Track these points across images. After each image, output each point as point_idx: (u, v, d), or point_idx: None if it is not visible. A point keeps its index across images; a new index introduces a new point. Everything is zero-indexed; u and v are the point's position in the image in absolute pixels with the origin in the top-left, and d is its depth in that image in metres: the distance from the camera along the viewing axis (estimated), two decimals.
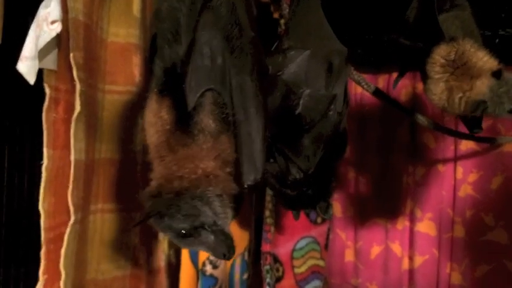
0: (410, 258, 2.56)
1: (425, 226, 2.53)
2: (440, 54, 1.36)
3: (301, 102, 1.03)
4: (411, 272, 2.54)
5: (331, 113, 1.06)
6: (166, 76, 1.01)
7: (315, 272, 1.39)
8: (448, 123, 2.54)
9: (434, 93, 1.42)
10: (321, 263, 1.41)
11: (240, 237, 1.42)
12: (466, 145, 2.51)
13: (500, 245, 2.43)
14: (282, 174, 1.03)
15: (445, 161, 2.56)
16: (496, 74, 1.30)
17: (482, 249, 2.48)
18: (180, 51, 1.00)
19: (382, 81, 2.69)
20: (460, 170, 2.53)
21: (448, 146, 2.53)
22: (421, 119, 1.99)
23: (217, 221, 0.93)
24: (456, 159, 2.54)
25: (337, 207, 2.70)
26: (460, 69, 1.34)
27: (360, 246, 2.63)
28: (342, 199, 2.69)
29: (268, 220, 1.29)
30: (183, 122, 0.97)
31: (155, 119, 1.00)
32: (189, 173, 0.95)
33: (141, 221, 0.97)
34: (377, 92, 1.59)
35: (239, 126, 0.98)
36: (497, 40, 2.26)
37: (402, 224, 2.59)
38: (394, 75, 2.66)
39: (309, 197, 1.04)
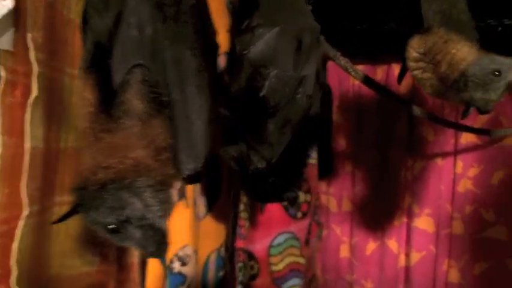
0: (407, 255, 2.45)
1: (423, 222, 2.42)
2: (413, 46, 1.24)
3: (266, 83, 0.91)
4: (407, 269, 2.43)
5: (299, 96, 0.94)
6: (95, 50, 0.88)
7: (294, 270, 1.28)
8: (448, 115, 2.42)
9: (423, 88, 1.30)
10: (301, 260, 1.30)
11: (216, 232, 1.30)
12: (466, 138, 2.38)
13: (500, 242, 2.31)
14: (244, 163, 0.92)
15: (444, 154, 2.43)
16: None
17: (481, 246, 2.36)
18: (109, 20, 0.86)
19: (381, 72, 2.56)
20: (460, 164, 2.40)
21: (448, 140, 2.41)
22: (416, 110, 1.86)
23: (147, 214, 0.81)
24: (456, 153, 2.41)
25: (333, 202, 2.59)
26: (432, 64, 1.21)
27: (355, 242, 2.53)
28: (338, 194, 2.58)
29: (243, 214, 1.18)
30: (108, 103, 0.84)
31: (80, 100, 0.88)
32: (116, 163, 0.82)
33: (65, 216, 0.87)
34: (366, 80, 1.46)
35: (175, 108, 0.85)
36: (499, 29, 2.13)
37: (399, 219, 2.48)
38: (393, 66, 2.55)
39: (273, 187, 0.92)
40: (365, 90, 2.58)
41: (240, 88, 0.93)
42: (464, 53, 1.18)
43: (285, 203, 1.18)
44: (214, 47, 0.91)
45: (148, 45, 0.83)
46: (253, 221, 1.18)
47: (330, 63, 2.56)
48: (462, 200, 2.39)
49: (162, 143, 0.83)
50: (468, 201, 2.38)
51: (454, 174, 2.41)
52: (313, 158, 1.38)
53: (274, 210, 1.21)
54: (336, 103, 2.54)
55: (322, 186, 2.61)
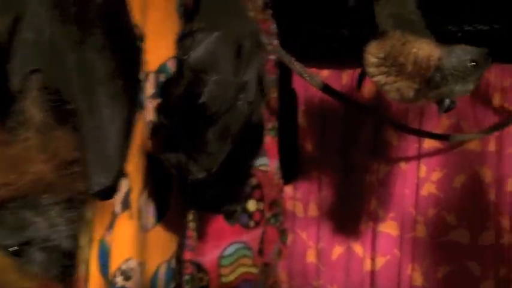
0: (372, 259, 2.43)
1: (388, 226, 2.41)
2: (371, 52, 1.21)
3: (206, 89, 0.86)
4: (373, 273, 2.40)
5: (240, 102, 0.89)
6: None
7: (246, 280, 1.23)
8: (411, 121, 2.42)
9: (388, 95, 1.28)
10: (254, 270, 1.25)
11: (166, 243, 1.24)
12: (429, 143, 2.38)
13: (462, 245, 2.32)
14: (182, 172, 0.87)
15: (408, 159, 2.43)
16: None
17: (444, 249, 2.36)
18: (9, 21, 0.77)
19: (346, 77, 2.54)
20: (423, 169, 2.41)
21: (411, 144, 2.41)
22: (378, 115, 1.84)
23: (52, 236, 0.76)
24: (420, 157, 2.41)
25: (299, 206, 2.56)
26: (394, 67, 1.19)
27: (321, 247, 2.50)
28: (304, 198, 2.55)
29: (191, 225, 1.13)
30: (5, 113, 0.76)
31: None
32: (15, 179, 0.74)
33: None
34: (323, 86, 1.42)
35: (81, 117, 0.77)
36: (459, 34, 2.14)
37: (365, 223, 2.46)
38: (358, 70, 2.54)
39: (213, 198, 0.87)
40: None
41: (180, 94, 0.88)
42: (426, 50, 1.16)
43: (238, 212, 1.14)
44: (134, 51, 0.84)
45: (47, 49, 0.76)
46: (202, 232, 1.14)
47: None
48: (425, 203, 2.39)
49: (67, 156, 0.76)
50: (431, 204, 2.38)
51: (417, 178, 2.41)
52: (265, 165, 1.33)
53: (224, 219, 1.16)
54: (301, 108, 2.51)
55: (289, 191, 2.58)
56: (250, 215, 1.22)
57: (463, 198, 2.34)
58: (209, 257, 1.16)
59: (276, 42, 1.31)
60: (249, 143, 0.92)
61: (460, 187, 2.35)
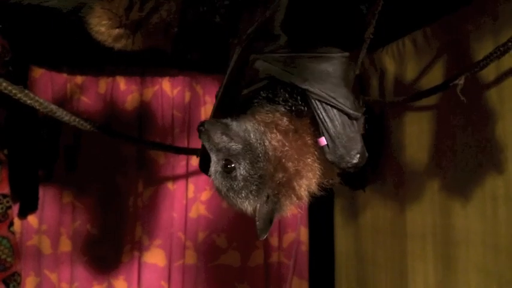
0: None
1: (154, 255, 2.08)
2: None
3: None
4: None
5: None
6: None
7: None
8: (180, 138, 2.15)
9: None
10: None
11: None
12: (197, 160, 2.13)
13: (232, 268, 2.14)
14: None
15: (176, 178, 2.14)
16: None
17: (214, 274, 2.15)
18: None
19: (104, 85, 2.14)
20: (191, 188, 2.15)
21: (178, 162, 2.12)
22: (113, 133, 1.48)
23: None
24: (188, 175, 2.15)
25: (46, 242, 2.05)
26: None
27: None
28: (53, 231, 2.06)
29: None
30: None
31: None
32: None
33: None
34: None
35: None
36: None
37: (129, 255, 2.09)
38: (118, 78, 2.16)
39: None
40: (85, 105, 2.12)
41: None
42: None
43: None
44: None
45: None
46: None
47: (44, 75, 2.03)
48: (195, 226, 2.14)
49: None
50: (201, 227, 2.14)
51: (186, 199, 2.14)
52: None
53: None
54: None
55: (32, 223, 2.04)
56: None
57: (232, 218, 2.16)
58: None
59: None
60: None
61: (229, 207, 2.16)
